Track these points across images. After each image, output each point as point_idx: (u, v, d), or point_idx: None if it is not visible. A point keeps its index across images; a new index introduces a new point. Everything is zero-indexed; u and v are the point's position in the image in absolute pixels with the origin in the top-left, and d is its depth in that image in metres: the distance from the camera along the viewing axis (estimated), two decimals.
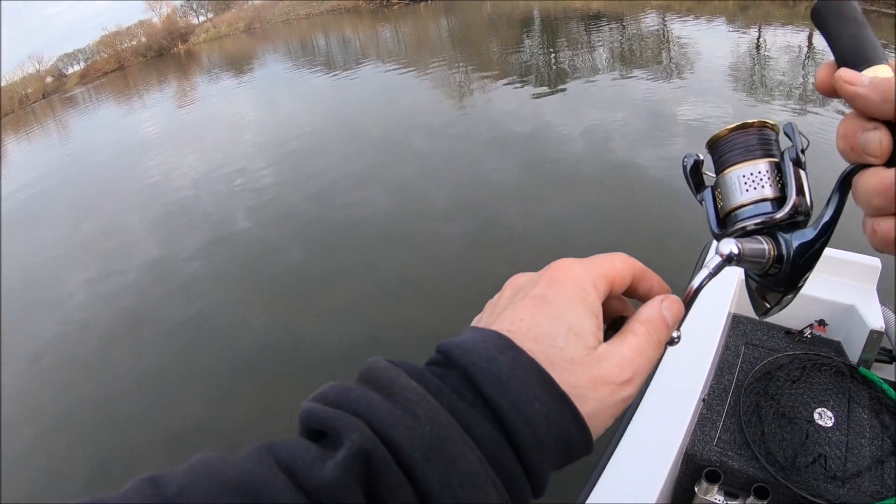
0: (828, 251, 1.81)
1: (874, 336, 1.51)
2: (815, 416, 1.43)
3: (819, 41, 9.87)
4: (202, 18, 47.76)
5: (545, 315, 0.36)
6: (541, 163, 6.70)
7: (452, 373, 0.34)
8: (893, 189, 0.34)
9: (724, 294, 1.78)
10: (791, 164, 0.44)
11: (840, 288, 1.72)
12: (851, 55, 0.39)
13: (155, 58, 40.07)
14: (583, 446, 0.34)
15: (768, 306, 0.48)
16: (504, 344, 0.34)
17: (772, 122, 0.46)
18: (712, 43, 10.88)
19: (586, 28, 15.64)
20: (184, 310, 5.30)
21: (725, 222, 0.47)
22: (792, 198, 0.43)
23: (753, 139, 0.46)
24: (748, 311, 1.83)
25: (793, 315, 1.76)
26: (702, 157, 0.49)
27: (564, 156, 6.77)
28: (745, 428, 1.44)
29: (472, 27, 20.94)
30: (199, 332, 4.88)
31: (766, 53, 9.72)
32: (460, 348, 0.35)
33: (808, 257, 0.43)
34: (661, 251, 3.88)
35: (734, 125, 0.46)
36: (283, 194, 7.44)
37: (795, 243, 0.43)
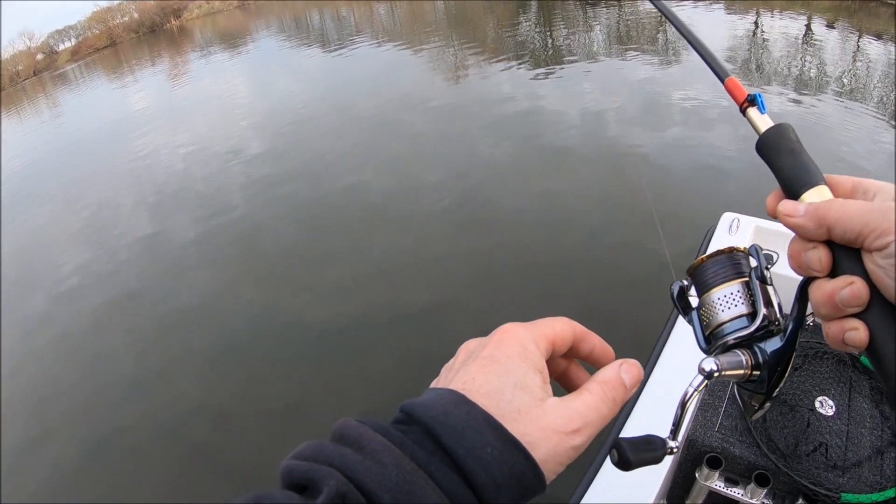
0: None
1: None
2: (817, 404, 1.44)
3: (817, 28, 9.87)
4: None
5: (493, 373, 0.41)
6: (535, 143, 6.71)
7: (414, 428, 0.39)
8: (833, 298, 0.42)
9: None
10: (758, 282, 0.51)
11: None
12: (792, 183, 0.47)
13: (147, 34, 39.63)
14: (535, 483, 0.38)
15: (756, 409, 0.55)
16: (458, 399, 0.39)
17: (740, 248, 0.54)
18: (710, 27, 10.82)
19: (583, 9, 15.50)
20: (176, 288, 5.32)
21: (710, 339, 0.53)
22: (761, 312, 0.50)
23: (726, 263, 0.53)
24: None
25: None
26: (686, 282, 0.56)
27: (559, 136, 6.78)
28: (747, 415, 1.45)
29: (469, 5, 20.70)
30: (192, 311, 4.89)
31: (763, 38, 9.68)
32: (420, 406, 0.39)
33: (781, 362, 0.50)
34: (657, 231, 3.88)
35: (708, 254, 0.54)
36: (275, 173, 7.43)
37: (769, 350, 0.50)
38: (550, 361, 0.47)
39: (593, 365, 0.49)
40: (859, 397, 1.46)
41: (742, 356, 0.50)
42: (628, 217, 4.44)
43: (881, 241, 0.40)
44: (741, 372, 0.50)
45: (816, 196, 0.45)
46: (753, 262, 0.53)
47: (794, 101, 6.69)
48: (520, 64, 10.27)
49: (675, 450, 0.49)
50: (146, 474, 3.38)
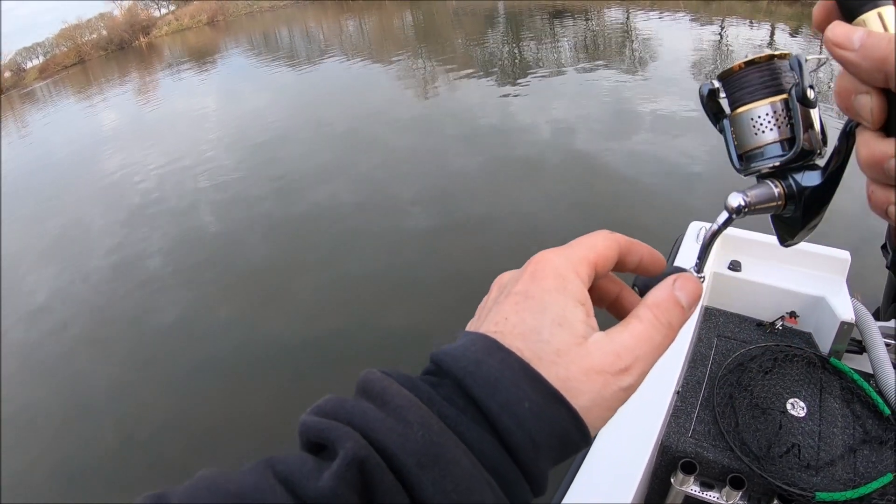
0: (799, 244, 1.83)
1: (844, 327, 1.53)
2: (788, 406, 1.45)
3: (779, 37, 10.10)
4: (164, 11, 46.82)
5: (528, 311, 0.35)
6: (506, 154, 6.73)
7: (445, 381, 0.34)
8: (883, 164, 0.33)
9: None
10: (798, 103, 0.43)
11: (810, 280, 1.75)
12: None
13: (116, 51, 39.19)
14: (579, 440, 0.34)
15: (788, 239, 0.48)
16: (491, 346, 0.34)
17: (783, 53, 0.45)
18: (676, 37, 11.02)
19: (551, 22, 15.69)
20: (148, 306, 5.23)
21: (743, 158, 0.47)
22: (800, 139, 0.43)
23: (764, 76, 0.45)
24: (720, 303, 1.86)
25: (764, 307, 1.78)
26: (717, 84, 0.48)
27: (530, 147, 6.83)
28: (720, 419, 1.45)
29: (438, 21, 20.87)
30: (165, 328, 4.81)
31: (728, 47, 9.87)
32: (449, 355, 0.34)
33: (817, 201, 0.43)
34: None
35: (746, 59, 0.45)
36: (247, 189, 7.37)
37: (805, 185, 0.43)
38: (596, 287, 0.42)
39: (643, 275, 0.43)
40: (830, 398, 1.47)
41: (774, 188, 0.44)
42: (600, 226, 4.46)
43: None
44: (773, 205, 0.44)
45: (880, 21, 0.33)
46: (795, 78, 0.44)
47: None
48: (489, 77, 10.34)
49: (701, 279, 0.42)
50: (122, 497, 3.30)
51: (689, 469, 1.36)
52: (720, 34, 10.83)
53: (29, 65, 42.06)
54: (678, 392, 1.55)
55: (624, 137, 6.58)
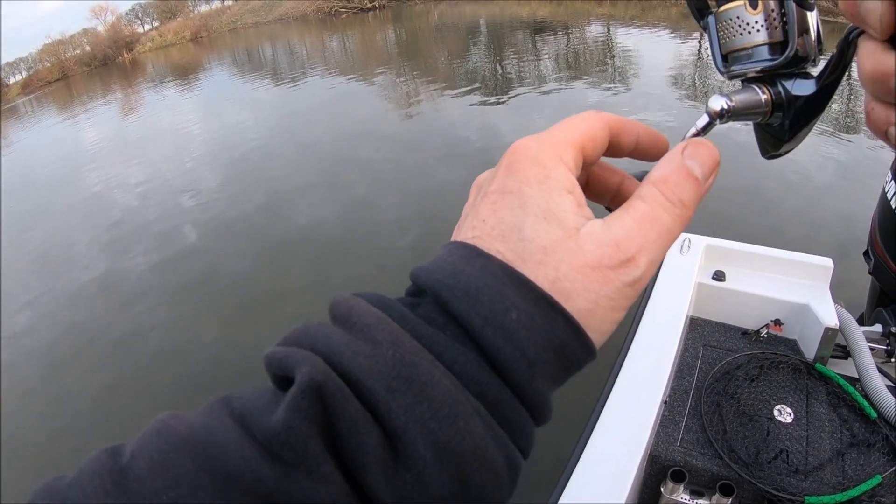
0: (781, 252, 1.84)
1: (829, 333, 1.54)
2: (775, 412, 1.46)
3: None
4: (148, 27, 46.80)
5: (507, 208, 0.31)
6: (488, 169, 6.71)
7: (423, 300, 0.30)
8: (889, 80, 0.29)
9: (682, 297, 1.81)
10: (794, 3, 0.39)
11: (794, 288, 1.76)
12: None
13: (99, 67, 39.12)
14: (582, 351, 0.29)
15: (769, 151, 0.45)
16: (470, 253, 0.30)
17: None
18: (656, 50, 11.15)
19: (532, 37, 15.84)
20: (130, 325, 5.18)
21: (728, 59, 0.43)
22: (793, 43, 0.39)
23: None
24: (705, 313, 1.87)
25: (749, 316, 1.79)
26: None
27: None
28: (707, 427, 1.46)
29: (420, 37, 21.01)
30: (147, 347, 4.76)
31: (707, 60, 10.01)
32: (425, 270, 0.31)
33: (807, 112, 0.40)
34: None
35: None
36: (230, 206, 7.33)
37: (796, 93, 0.39)
38: (591, 178, 0.38)
39: (642, 160, 0.38)
40: (816, 403, 1.48)
41: (761, 94, 0.40)
42: None
43: None
44: (759, 112, 0.41)
45: None
46: None
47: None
48: (472, 92, 10.38)
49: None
50: None
51: (678, 477, 1.36)
52: (699, 48, 10.99)
53: (12, 80, 41.85)
54: (665, 402, 1.55)
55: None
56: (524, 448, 0.29)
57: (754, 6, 0.40)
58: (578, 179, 0.34)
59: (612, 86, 9.37)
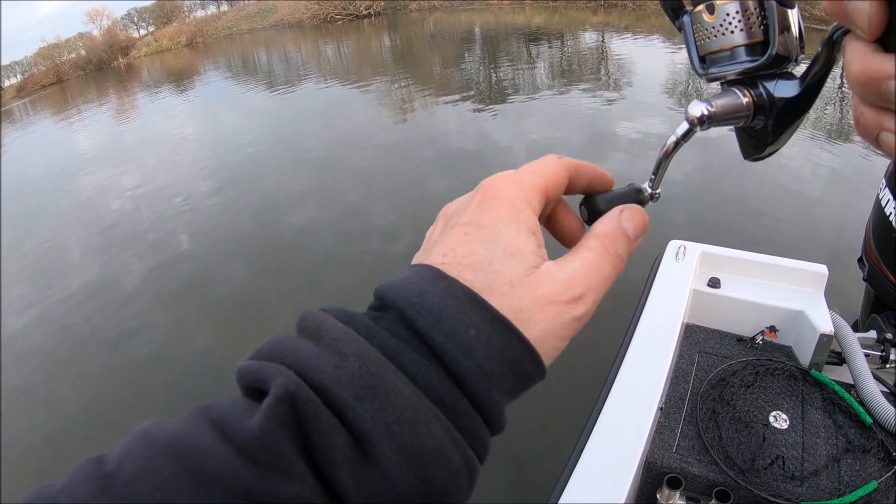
0: (776, 259, 1.85)
1: (824, 340, 1.55)
2: (771, 419, 1.46)
3: None
4: (143, 32, 46.77)
5: (478, 241, 0.34)
6: (484, 176, 6.65)
7: (387, 314, 0.33)
8: (880, 84, 0.28)
9: (677, 304, 1.81)
10: (774, 1, 0.38)
11: (789, 294, 1.77)
12: None
13: (94, 71, 39.00)
14: (533, 371, 0.33)
15: (752, 154, 0.44)
16: (435, 276, 0.33)
17: None
18: (649, 59, 11.19)
19: (527, 45, 15.89)
20: (123, 333, 5.13)
21: (706, 60, 0.42)
22: (775, 42, 0.38)
23: None
24: (701, 320, 1.87)
25: (744, 322, 1.79)
26: None
27: (508, 169, 6.83)
28: (703, 434, 1.46)
29: (415, 44, 21.05)
30: (140, 355, 4.73)
31: None
32: (392, 288, 0.33)
33: (790, 114, 0.38)
34: None
35: None
36: (223, 213, 7.32)
37: (779, 95, 0.38)
38: (554, 216, 0.41)
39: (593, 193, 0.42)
40: (812, 409, 1.48)
41: (742, 97, 0.39)
42: None
43: None
44: (741, 116, 0.40)
45: None
46: None
47: (732, 129, 6.91)
48: (466, 100, 10.41)
49: (656, 197, 0.42)
50: None
51: (674, 484, 1.36)
52: None
53: (7, 83, 41.72)
54: (661, 408, 1.56)
55: (600, 159, 6.63)
56: (480, 453, 0.32)
57: (732, 4, 0.38)
58: (540, 216, 0.38)
59: (605, 93, 9.41)
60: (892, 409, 1.40)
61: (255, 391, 0.30)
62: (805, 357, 1.62)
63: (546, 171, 0.39)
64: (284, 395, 0.27)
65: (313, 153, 9.02)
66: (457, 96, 10.71)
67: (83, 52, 41.56)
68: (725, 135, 6.62)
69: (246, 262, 5.94)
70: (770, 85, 0.38)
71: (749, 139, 0.43)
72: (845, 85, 7.64)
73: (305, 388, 0.28)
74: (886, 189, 1.65)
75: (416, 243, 0.38)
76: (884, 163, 2.11)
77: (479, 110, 9.62)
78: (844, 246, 3.78)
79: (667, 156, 0.42)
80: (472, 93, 10.99)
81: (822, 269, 1.79)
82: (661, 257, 2.02)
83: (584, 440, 1.42)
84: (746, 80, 0.40)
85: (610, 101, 8.96)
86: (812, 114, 6.92)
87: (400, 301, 0.32)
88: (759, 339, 1.75)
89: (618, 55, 12.44)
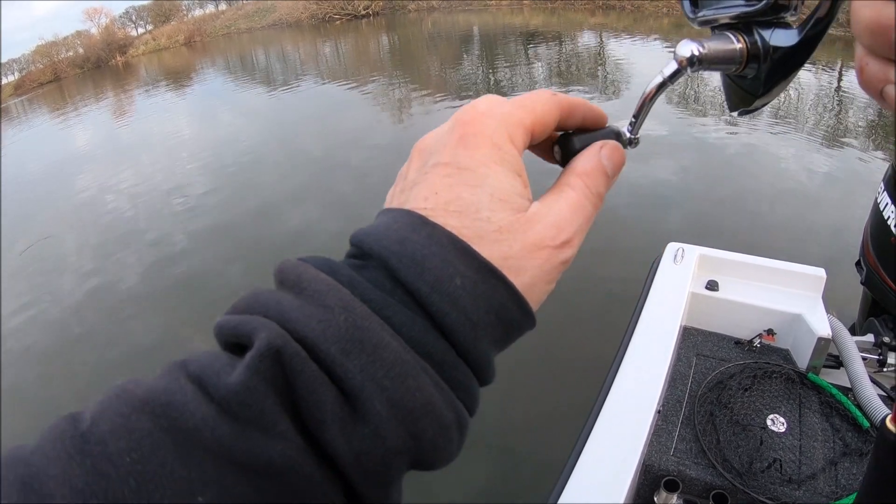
0: (774, 262, 1.85)
1: (822, 343, 1.55)
2: (769, 422, 1.46)
3: None
4: (141, 30, 46.69)
5: (462, 185, 0.32)
6: None
7: (369, 264, 0.31)
8: (890, 32, 0.26)
9: (675, 307, 1.81)
10: None
11: (787, 298, 1.77)
12: None
13: (92, 69, 38.88)
14: (521, 318, 0.32)
15: (739, 105, 0.42)
16: (415, 221, 0.31)
17: None
18: (647, 60, 11.21)
19: (525, 45, 15.90)
20: (119, 333, 5.11)
21: (697, 3, 0.41)
22: None
23: None
24: (698, 323, 1.88)
25: (742, 325, 1.80)
26: None
27: None
28: (701, 437, 1.46)
29: (413, 44, 21.03)
30: (139, 357, 4.70)
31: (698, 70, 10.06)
32: (371, 235, 0.32)
33: (785, 65, 0.36)
34: (609, 262, 3.94)
35: None
36: (222, 213, 7.30)
37: (774, 44, 0.36)
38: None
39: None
40: (809, 412, 1.49)
41: (735, 42, 0.37)
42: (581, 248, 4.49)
43: None
44: (732, 63, 0.37)
45: None
46: None
47: (730, 133, 6.94)
48: (464, 100, 10.37)
49: (635, 142, 0.40)
50: None
51: (671, 487, 1.36)
52: None
53: (4, 81, 41.58)
54: (659, 411, 1.56)
55: None
56: (469, 405, 0.31)
57: None
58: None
59: (603, 94, 9.42)
60: (890, 412, 1.40)
61: (235, 346, 0.29)
62: (803, 360, 1.63)
63: (536, 107, 0.36)
64: (269, 349, 0.26)
65: (312, 153, 9.01)
66: (455, 97, 10.71)
67: (81, 51, 41.37)
68: (724, 137, 6.66)
69: (242, 261, 5.93)
70: (766, 33, 0.36)
71: (738, 90, 0.41)
72: (843, 88, 7.68)
73: (291, 342, 0.26)
74: (885, 193, 1.66)
75: None
76: (882, 166, 2.11)
77: None
78: (842, 249, 3.79)
79: (651, 98, 0.39)
80: (470, 93, 10.98)
81: (820, 272, 1.79)
82: (660, 260, 2.02)
83: (582, 442, 1.42)
84: (741, 25, 0.37)
85: (607, 101, 8.96)
86: (811, 116, 6.95)
87: (381, 250, 0.31)
88: (756, 342, 1.75)
89: (615, 57, 12.45)
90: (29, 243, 7.81)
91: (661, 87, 0.38)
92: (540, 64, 13.25)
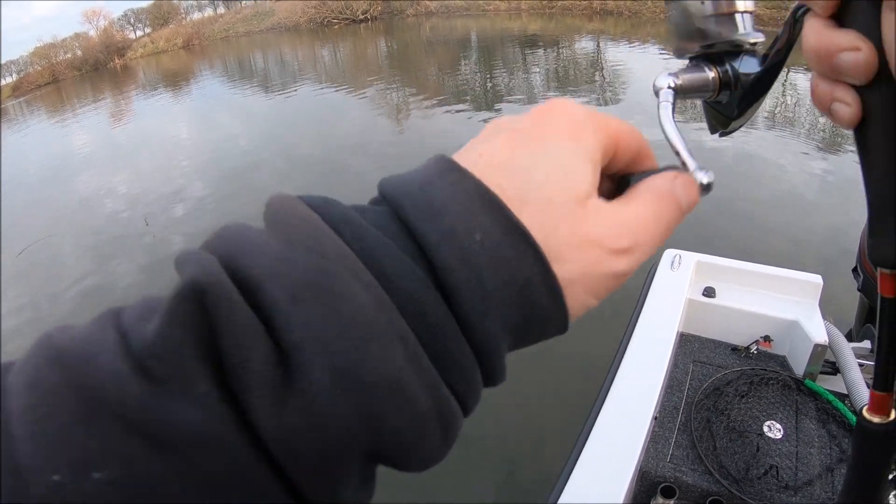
0: (770, 269, 1.85)
1: (818, 350, 1.55)
2: (765, 428, 1.46)
3: None
4: (140, 33, 46.71)
5: (526, 148, 0.27)
6: None
7: (379, 208, 0.26)
8: (832, 56, 0.29)
9: (672, 313, 1.81)
10: None
11: (784, 304, 1.77)
12: None
13: (90, 72, 38.86)
14: (550, 306, 0.25)
15: (717, 128, 0.45)
16: (444, 167, 0.26)
17: None
18: (645, 66, 11.23)
19: (523, 51, 15.92)
20: None
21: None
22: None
23: None
24: (695, 329, 1.88)
25: (738, 332, 1.80)
26: None
27: None
28: (698, 443, 1.46)
29: (411, 49, 21.05)
30: None
31: None
32: (394, 179, 0.27)
33: (754, 89, 0.39)
34: None
35: None
36: (219, 216, 7.25)
37: (743, 72, 0.39)
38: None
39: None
40: (806, 419, 1.49)
41: (708, 72, 0.39)
42: None
43: None
44: (707, 91, 0.40)
45: None
46: None
47: (727, 138, 6.94)
48: (462, 104, 10.40)
49: (708, 187, 0.34)
50: None
51: (668, 493, 1.36)
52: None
53: (2, 82, 41.53)
54: (656, 417, 1.56)
55: None
56: (464, 396, 0.24)
57: None
58: None
59: (600, 100, 9.43)
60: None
61: None
62: (799, 367, 1.63)
63: (624, 126, 0.31)
64: (191, 288, 0.21)
65: (310, 157, 9.00)
66: (453, 102, 10.71)
67: (79, 53, 41.36)
68: (721, 143, 6.66)
69: None
70: (735, 62, 0.39)
71: (715, 114, 0.43)
72: None
73: (224, 281, 0.21)
74: None
75: None
76: None
77: (475, 115, 9.63)
78: (839, 256, 3.80)
79: (671, 129, 0.38)
80: (467, 98, 11.00)
81: (817, 279, 1.79)
82: (657, 266, 2.02)
83: (579, 448, 1.42)
84: (713, 56, 0.40)
85: (605, 107, 8.98)
86: (806, 122, 6.96)
87: (396, 192, 0.26)
88: (753, 348, 1.75)
89: (613, 62, 12.47)
90: (26, 245, 7.79)
91: (670, 114, 0.38)
92: (538, 69, 13.28)
